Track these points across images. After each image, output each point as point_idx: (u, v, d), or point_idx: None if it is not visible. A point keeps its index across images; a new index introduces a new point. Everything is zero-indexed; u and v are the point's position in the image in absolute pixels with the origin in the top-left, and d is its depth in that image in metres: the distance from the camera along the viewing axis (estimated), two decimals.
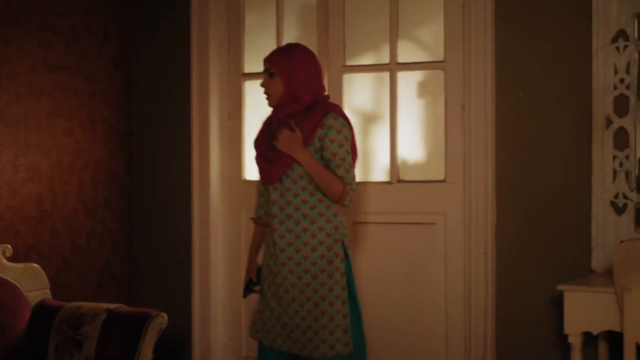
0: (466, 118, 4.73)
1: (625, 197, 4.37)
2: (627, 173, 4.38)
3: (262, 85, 3.97)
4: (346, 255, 3.91)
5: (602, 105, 4.42)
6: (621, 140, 4.40)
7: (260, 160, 3.99)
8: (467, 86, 4.75)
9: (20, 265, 4.58)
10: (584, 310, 4.01)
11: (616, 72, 4.40)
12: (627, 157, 4.38)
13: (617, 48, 4.39)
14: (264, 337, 3.97)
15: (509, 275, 4.66)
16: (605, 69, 4.42)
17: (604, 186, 4.40)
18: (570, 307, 4.03)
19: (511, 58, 4.66)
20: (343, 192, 3.82)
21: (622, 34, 4.39)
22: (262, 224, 4.07)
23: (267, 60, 3.96)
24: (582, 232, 4.45)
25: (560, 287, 4.07)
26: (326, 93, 3.99)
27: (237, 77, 5.44)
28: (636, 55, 4.38)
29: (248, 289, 4.13)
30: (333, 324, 3.80)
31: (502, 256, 4.68)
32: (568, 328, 4.04)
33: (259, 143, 4.01)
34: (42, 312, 4.48)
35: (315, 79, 3.93)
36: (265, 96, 3.96)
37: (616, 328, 3.93)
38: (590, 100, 4.45)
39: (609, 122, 4.40)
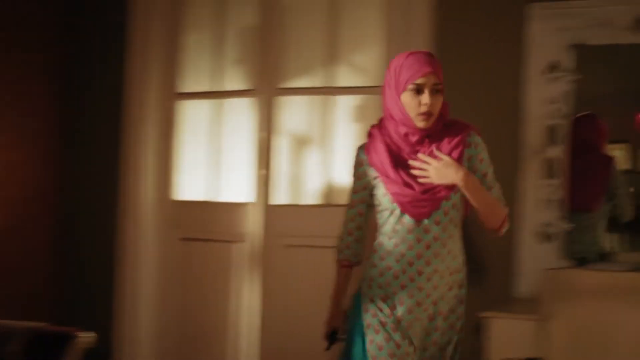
0: None
1: (552, 225, 4.39)
2: (555, 202, 4.40)
3: (431, 105, 3.28)
4: None
5: (534, 133, 4.44)
6: (551, 169, 4.42)
7: (407, 191, 3.32)
8: None
9: None
10: (508, 337, 4.00)
11: (550, 102, 4.43)
12: (555, 186, 4.40)
13: (551, 78, 4.42)
14: None
15: None
16: (539, 98, 4.45)
17: (532, 214, 4.42)
18: (494, 334, 4.02)
19: (447, 85, 4.66)
20: (505, 219, 3.40)
21: (556, 64, 4.43)
22: (351, 265, 3.59)
23: (434, 75, 3.30)
24: (508, 259, 4.45)
25: (484, 314, 4.07)
26: None
27: (171, 96, 5.41)
28: (570, 86, 4.41)
29: (333, 339, 3.65)
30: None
31: None
32: (492, 355, 4.03)
33: (396, 167, 3.35)
34: None
35: None
36: (421, 117, 3.30)
37: (540, 355, 3.93)
38: (523, 128, 4.47)
39: (540, 150, 4.43)
